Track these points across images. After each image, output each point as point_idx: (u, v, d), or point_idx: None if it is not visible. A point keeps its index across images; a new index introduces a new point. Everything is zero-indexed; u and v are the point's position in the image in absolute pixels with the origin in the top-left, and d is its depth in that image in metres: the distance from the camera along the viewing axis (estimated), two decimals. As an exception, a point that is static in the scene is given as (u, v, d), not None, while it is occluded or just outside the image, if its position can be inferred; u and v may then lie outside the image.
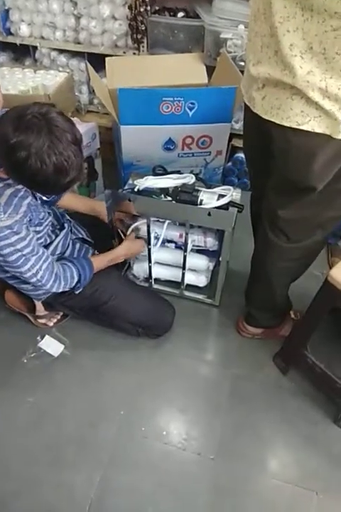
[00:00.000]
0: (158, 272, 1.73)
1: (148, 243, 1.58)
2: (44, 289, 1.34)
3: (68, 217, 1.57)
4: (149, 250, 1.60)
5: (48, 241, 1.38)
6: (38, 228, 1.27)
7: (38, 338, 1.56)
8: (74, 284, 1.38)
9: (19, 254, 1.19)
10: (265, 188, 1.27)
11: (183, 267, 1.63)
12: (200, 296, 1.76)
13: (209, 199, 1.43)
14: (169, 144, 1.79)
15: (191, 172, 1.93)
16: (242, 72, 1.37)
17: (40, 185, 1.05)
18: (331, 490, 1.25)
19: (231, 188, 1.47)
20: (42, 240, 1.32)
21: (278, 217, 1.22)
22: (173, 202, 1.45)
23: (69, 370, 1.48)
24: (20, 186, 1.17)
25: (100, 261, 1.48)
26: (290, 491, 1.24)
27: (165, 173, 1.56)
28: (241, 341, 1.63)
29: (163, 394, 1.47)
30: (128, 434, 1.35)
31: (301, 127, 0.97)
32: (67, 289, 1.37)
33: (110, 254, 1.51)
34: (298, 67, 0.91)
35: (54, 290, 1.33)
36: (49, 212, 1.37)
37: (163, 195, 1.46)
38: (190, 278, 1.71)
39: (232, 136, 2.12)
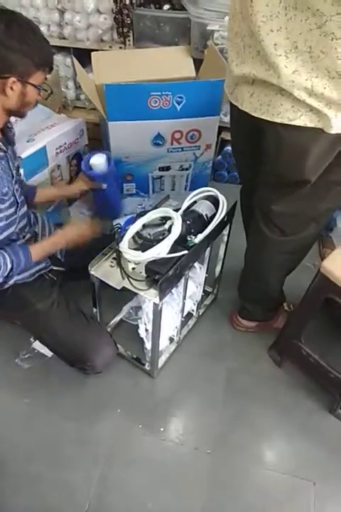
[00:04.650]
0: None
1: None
2: None
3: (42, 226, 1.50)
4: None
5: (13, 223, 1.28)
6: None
7: (31, 338, 1.53)
8: (6, 272, 1.22)
9: None
10: (255, 182, 1.27)
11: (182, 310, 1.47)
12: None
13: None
14: (158, 139, 1.78)
15: (181, 167, 1.94)
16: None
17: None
18: (328, 479, 1.26)
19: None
20: (4, 223, 1.22)
21: (271, 211, 1.22)
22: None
23: (64, 369, 1.46)
24: None
25: (38, 247, 1.33)
26: (287, 481, 1.25)
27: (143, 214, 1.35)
28: (236, 335, 1.63)
29: (159, 390, 1.46)
30: (125, 431, 1.35)
31: (293, 123, 0.96)
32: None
33: (48, 240, 1.38)
34: (283, 66, 0.90)
35: None
36: (15, 189, 1.28)
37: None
38: (189, 306, 1.57)
39: (221, 129, 2.12)
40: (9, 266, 1.22)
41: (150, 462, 1.28)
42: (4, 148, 1.19)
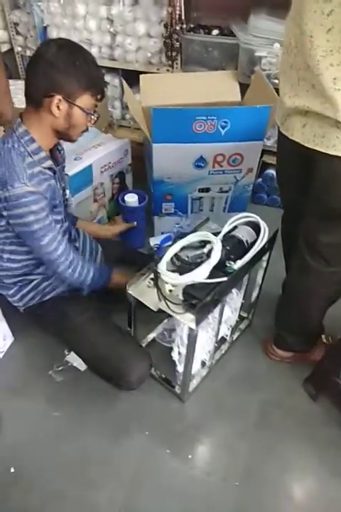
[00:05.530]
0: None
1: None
2: (59, 273, 1.30)
3: (84, 241, 1.57)
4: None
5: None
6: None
7: (65, 351, 1.56)
8: (86, 281, 1.35)
9: (41, 225, 1.16)
10: (301, 211, 1.25)
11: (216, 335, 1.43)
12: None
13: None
14: (200, 162, 1.79)
15: (220, 190, 1.94)
16: (276, 90, 1.37)
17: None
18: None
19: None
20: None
21: (318, 241, 1.20)
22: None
23: (95, 385, 1.48)
24: (47, 169, 1.19)
25: (120, 275, 1.44)
26: (318, 525, 1.20)
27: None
28: (270, 364, 1.58)
29: (188, 415, 1.44)
30: (152, 455, 1.33)
31: None
32: (77, 283, 1.35)
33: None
34: None
35: (66, 275, 1.30)
36: (65, 207, 1.37)
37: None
38: (223, 331, 1.54)
39: (263, 152, 2.10)
40: (90, 278, 1.35)
41: (176, 490, 1.26)
42: (54, 168, 1.24)
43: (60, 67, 1.07)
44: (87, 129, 1.23)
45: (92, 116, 1.19)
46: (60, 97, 1.09)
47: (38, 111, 1.13)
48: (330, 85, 0.91)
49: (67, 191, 1.39)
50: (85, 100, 1.14)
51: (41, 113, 1.13)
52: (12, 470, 1.29)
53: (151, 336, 1.62)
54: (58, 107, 1.11)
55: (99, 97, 1.18)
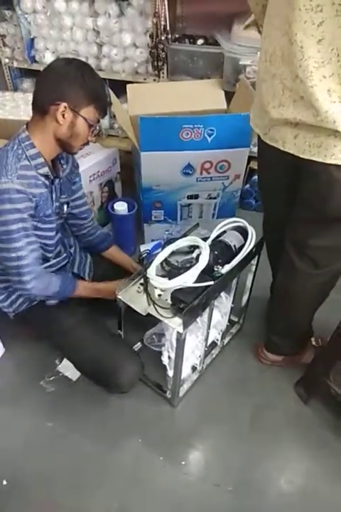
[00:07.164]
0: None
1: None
2: (22, 283, 1.24)
3: (75, 250, 1.58)
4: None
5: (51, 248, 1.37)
6: (39, 224, 1.25)
7: (57, 361, 1.55)
8: (50, 294, 1.32)
9: (19, 225, 1.15)
10: (284, 218, 1.26)
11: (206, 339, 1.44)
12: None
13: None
14: (188, 169, 1.81)
15: (209, 196, 1.96)
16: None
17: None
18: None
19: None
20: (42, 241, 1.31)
21: (307, 246, 1.21)
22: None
23: (87, 394, 1.48)
24: (42, 176, 1.21)
25: (86, 287, 1.44)
26: (312, 527, 1.20)
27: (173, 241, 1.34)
28: (261, 368, 1.60)
29: (180, 420, 1.44)
30: (146, 462, 1.33)
31: None
32: (42, 295, 1.32)
33: (99, 285, 1.44)
34: (339, 111, 0.90)
35: (31, 287, 1.24)
36: (57, 217, 1.37)
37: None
38: (214, 335, 1.54)
39: (250, 158, 2.13)
40: (56, 289, 1.32)
41: (170, 497, 1.25)
42: (51, 177, 1.26)
43: (69, 78, 1.14)
44: (87, 143, 1.27)
45: (94, 130, 1.24)
46: (66, 105, 1.14)
47: (44, 118, 1.17)
48: (325, 97, 0.90)
49: (65, 207, 1.41)
50: (89, 112, 1.18)
51: (46, 120, 1.17)
52: (4, 482, 1.27)
53: (142, 341, 1.62)
54: (63, 114, 1.15)
55: (101, 113, 1.23)
